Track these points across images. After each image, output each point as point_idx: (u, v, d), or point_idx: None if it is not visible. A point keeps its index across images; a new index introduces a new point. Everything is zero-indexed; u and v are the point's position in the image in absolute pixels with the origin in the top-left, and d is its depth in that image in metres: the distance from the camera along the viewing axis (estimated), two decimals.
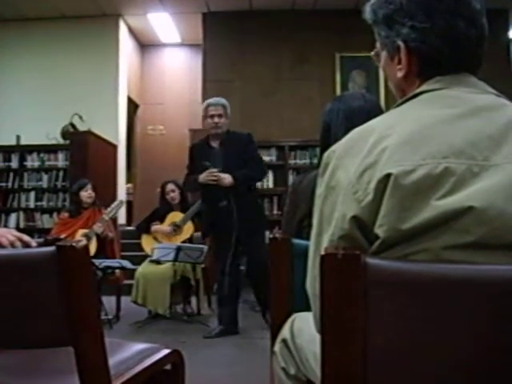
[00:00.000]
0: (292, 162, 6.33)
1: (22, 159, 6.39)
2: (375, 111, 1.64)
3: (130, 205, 7.80)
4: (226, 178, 3.62)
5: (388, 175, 0.79)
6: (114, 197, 6.73)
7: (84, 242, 1.11)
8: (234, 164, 3.67)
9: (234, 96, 6.90)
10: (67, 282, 1.09)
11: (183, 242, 4.50)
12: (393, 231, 0.78)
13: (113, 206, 4.63)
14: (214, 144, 3.80)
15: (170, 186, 4.68)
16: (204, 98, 6.98)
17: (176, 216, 4.64)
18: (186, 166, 3.98)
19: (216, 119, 3.74)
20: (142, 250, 4.69)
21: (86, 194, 4.52)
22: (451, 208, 0.76)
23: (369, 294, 0.76)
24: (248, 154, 3.79)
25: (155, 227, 4.64)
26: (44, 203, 6.31)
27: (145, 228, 4.67)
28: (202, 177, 3.64)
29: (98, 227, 4.37)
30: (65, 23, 7.07)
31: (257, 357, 3.07)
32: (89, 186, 4.55)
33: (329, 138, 1.73)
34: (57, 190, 6.32)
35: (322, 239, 0.88)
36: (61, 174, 6.32)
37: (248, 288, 4.30)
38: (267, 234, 3.97)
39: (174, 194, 4.66)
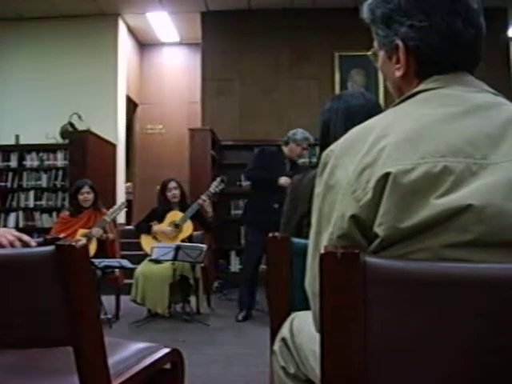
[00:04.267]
0: None
1: (21, 159, 6.38)
2: (375, 110, 1.64)
3: (129, 204, 7.80)
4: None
5: (387, 174, 0.79)
6: (113, 196, 6.74)
7: (83, 241, 1.11)
8: None
9: (233, 95, 6.91)
10: (67, 281, 1.09)
11: (183, 240, 4.50)
12: (392, 230, 0.78)
13: (115, 207, 4.62)
14: (286, 161, 4.40)
15: (173, 184, 4.70)
16: (203, 97, 6.99)
17: (175, 215, 4.64)
18: (252, 165, 4.42)
19: (304, 152, 4.43)
20: (141, 249, 4.67)
21: (82, 198, 4.49)
22: (450, 206, 0.76)
23: (368, 293, 0.76)
24: None
25: (156, 227, 4.64)
26: (43, 203, 6.31)
27: (145, 228, 4.65)
28: (284, 179, 4.15)
29: (96, 231, 4.36)
30: (63, 22, 7.06)
31: (256, 356, 3.08)
32: (84, 189, 4.50)
33: (328, 136, 1.72)
34: (56, 190, 6.32)
35: (321, 238, 0.88)
36: (60, 173, 6.31)
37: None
38: None
39: (176, 192, 4.68)
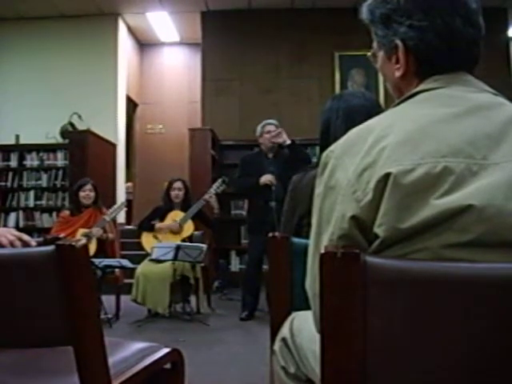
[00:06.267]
0: None
1: (22, 158, 6.39)
2: (375, 110, 1.64)
3: (129, 204, 7.79)
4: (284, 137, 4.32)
5: (387, 174, 0.79)
6: (113, 196, 6.74)
7: (83, 241, 1.11)
8: (284, 170, 4.18)
9: (233, 95, 6.90)
10: (67, 281, 1.09)
11: (183, 240, 4.51)
12: (392, 230, 0.78)
13: (115, 207, 4.63)
14: (270, 155, 4.51)
15: (178, 184, 4.72)
16: (203, 96, 6.98)
17: (177, 215, 4.65)
18: (237, 175, 4.60)
19: (273, 133, 4.44)
20: (141, 249, 4.68)
21: (83, 195, 4.53)
22: (450, 207, 0.76)
23: (368, 293, 0.76)
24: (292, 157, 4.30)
25: (159, 225, 4.65)
26: (43, 202, 6.31)
27: (148, 226, 4.67)
28: (264, 177, 4.29)
29: (96, 231, 4.37)
30: (63, 22, 7.06)
31: (257, 356, 3.08)
32: (87, 187, 4.55)
33: (328, 136, 1.72)
34: (56, 190, 6.32)
35: (321, 239, 0.88)
36: (60, 173, 6.31)
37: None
38: None
39: (179, 192, 4.69)
